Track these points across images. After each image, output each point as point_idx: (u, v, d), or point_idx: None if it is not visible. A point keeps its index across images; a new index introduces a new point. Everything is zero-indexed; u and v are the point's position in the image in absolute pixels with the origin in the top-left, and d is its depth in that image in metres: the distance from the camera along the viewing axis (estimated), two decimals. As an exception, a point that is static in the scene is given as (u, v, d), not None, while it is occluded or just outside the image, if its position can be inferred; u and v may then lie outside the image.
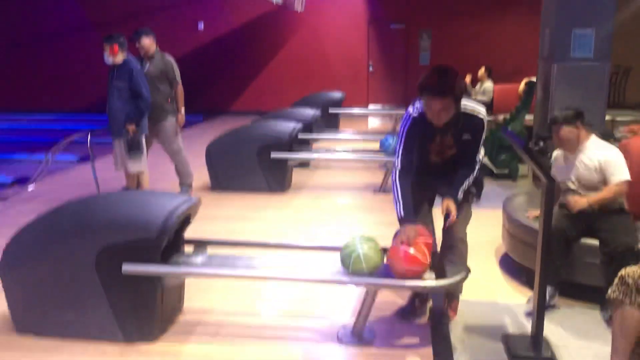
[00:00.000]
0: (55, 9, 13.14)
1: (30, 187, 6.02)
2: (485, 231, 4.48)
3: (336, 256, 2.92)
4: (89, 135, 5.24)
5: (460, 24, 12.27)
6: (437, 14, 12.43)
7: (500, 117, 7.13)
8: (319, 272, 2.97)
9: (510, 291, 3.61)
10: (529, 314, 3.15)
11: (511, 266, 3.92)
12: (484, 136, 2.99)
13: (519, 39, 11.82)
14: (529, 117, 6.58)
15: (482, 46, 12.06)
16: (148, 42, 5.49)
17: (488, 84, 9.17)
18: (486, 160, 6.57)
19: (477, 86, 9.43)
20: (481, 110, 2.93)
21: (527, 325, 3.02)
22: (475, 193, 3.18)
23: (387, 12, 12.67)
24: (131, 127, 5.06)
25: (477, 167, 3.04)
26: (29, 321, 3.00)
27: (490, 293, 3.57)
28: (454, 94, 2.73)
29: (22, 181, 6.45)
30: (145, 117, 5.22)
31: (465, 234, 3.10)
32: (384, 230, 4.52)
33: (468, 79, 9.63)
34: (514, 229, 3.72)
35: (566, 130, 3.35)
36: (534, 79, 6.52)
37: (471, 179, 3.04)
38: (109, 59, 5.04)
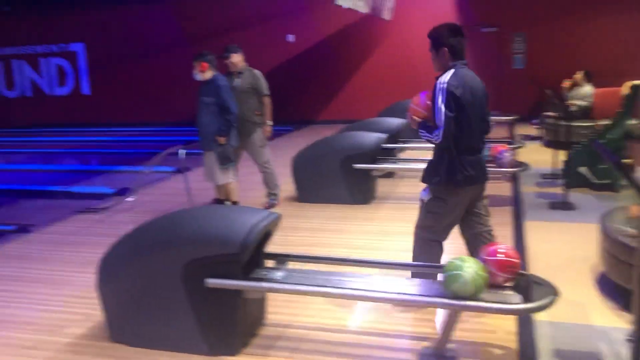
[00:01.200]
0: (155, 24, 13.93)
1: (130, 198, 6.40)
2: (581, 247, 4.21)
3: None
4: (181, 148, 5.49)
5: (557, 25, 11.69)
6: (531, 16, 11.91)
7: (600, 123, 6.69)
8: (401, 292, 2.90)
9: (606, 314, 3.36)
10: (628, 340, 2.92)
11: (609, 286, 3.65)
12: (437, 100, 3.10)
13: (621, 39, 11.06)
14: (635, 122, 6.12)
15: (581, 48, 11.41)
16: (237, 59, 5.70)
17: (587, 88, 8.64)
18: (585, 170, 6.19)
19: (576, 90, 8.92)
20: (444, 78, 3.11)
21: (625, 353, 2.79)
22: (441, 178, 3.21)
23: (478, 16, 12.31)
24: (221, 140, 5.26)
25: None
26: (122, 330, 3.17)
27: (585, 315, 3.35)
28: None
29: (123, 192, 6.87)
30: (233, 130, 5.41)
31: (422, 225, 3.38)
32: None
33: (567, 84, 9.13)
34: (612, 246, 3.46)
35: None
36: (638, 82, 6.07)
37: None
38: (197, 75, 5.28)
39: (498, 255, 2.76)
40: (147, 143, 11.52)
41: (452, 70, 3.15)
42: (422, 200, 3.39)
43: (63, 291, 4.01)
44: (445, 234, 3.39)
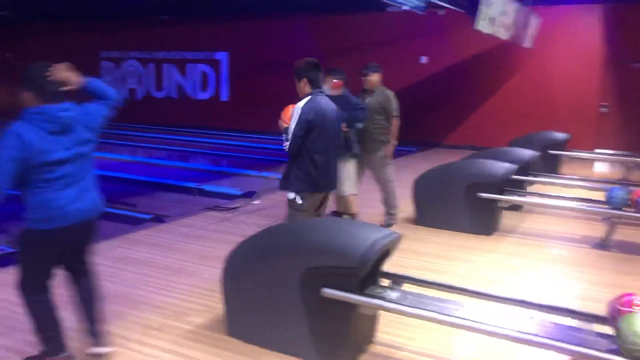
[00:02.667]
0: (294, 38, 14.52)
1: (256, 201, 6.70)
2: None
3: (543, 315, 2.70)
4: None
5: None
6: (692, 52, 10.88)
7: None
8: (520, 330, 2.77)
9: None
10: None
11: None
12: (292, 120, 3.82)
13: None
14: None
15: None
16: (375, 78, 5.77)
17: None
18: None
19: None
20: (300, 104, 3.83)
21: None
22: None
23: (629, 51, 11.47)
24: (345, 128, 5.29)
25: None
26: (239, 326, 3.33)
27: None
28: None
29: (249, 195, 7.21)
30: (355, 143, 5.49)
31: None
32: (599, 292, 4.09)
33: None
34: None
35: None
36: None
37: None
38: (329, 91, 5.37)
39: (634, 307, 2.56)
40: (276, 151, 11.99)
41: (309, 97, 3.87)
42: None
43: (188, 281, 4.28)
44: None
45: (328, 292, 2.96)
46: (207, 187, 7.72)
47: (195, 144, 12.75)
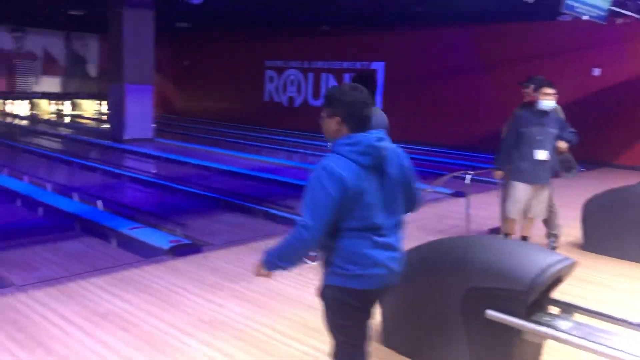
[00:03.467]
0: (452, 48, 14.24)
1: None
2: None
3: None
4: (469, 173, 5.51)
5: None
6: None
7: None
8: None
9: None
10: None
11: None
12: None
13: None
14: None
15: None
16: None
17: None
18: None
19: None
20: None
21: None
22: None
23: None
24: (564, 146, 5.23)
25: None
26: (395, 337, 3.32)
27: None
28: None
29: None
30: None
31: None
32: None
33: None
34: None
35: None
36: None
37: None
38: (545, 104, 5.04)
39: None
40: (429, 162, 11.86)
41: None
42: None
43: (344, 286, 4.37)
44: None
45: (492, 314, 2.84)
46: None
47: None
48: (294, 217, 6.14)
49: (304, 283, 4.38)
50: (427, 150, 13.59)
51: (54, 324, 3.48)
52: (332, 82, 16.86)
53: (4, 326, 3.43)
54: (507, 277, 2.83)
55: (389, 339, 3.36)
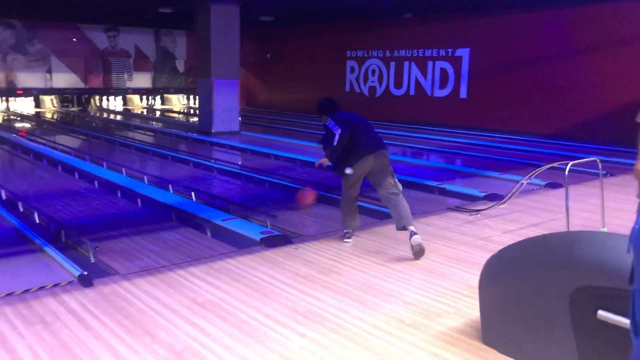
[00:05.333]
0: (543, 33, 13.58)
1: (501, 205, 6.44)
2: None
3: None
4: (568, 165, 5.22)
5: None
6: None
7: None
8: None
9: None
10: None
11: None
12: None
13: None
14: None
15: None
16: None
17: None
18: None
19: None
20: None
21: None
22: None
23: None
24: None
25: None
26: (495, 335, 3.21)
27: None
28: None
29: (491, 197, 6.95)
30: None
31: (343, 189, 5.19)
32: None
33: None
34: None
35: None
36: None
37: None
38: None
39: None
40: (516, 152, 11.42)
41: None
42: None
43: (438, 281, 4.29)
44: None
45: (605, 315, 2.67)
46: (448, 186, 7.65)
47: (432, 141, 12.78)
48: (379, 208, 6.11)
49: (399, 278, 4.34)
50: (516, 139, 13.10)
51: (158, 312, 3.64)
52: (415, 71, 16.57)
53: (112, 313, 3.62)
54: (620, 275, 2.65)
55: (489, 338, 3.25)
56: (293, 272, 4.42)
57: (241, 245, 5.12)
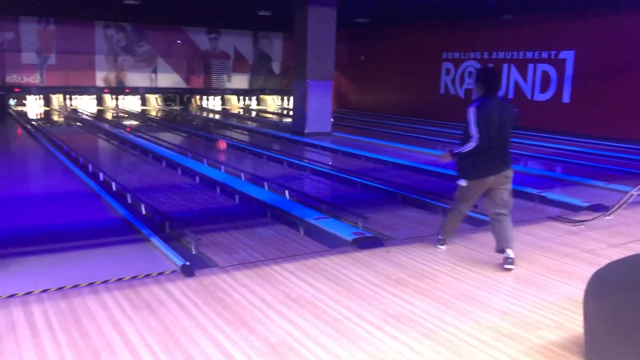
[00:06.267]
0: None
1: (607, 216, 6.07)
2: None
3: None
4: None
5: None
6: None
7: None
8: None
9: None
10: None
11: None
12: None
13: None
14: None
15: None
16: None
17: None
18: None
19: None
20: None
21: None
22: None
23: None
24: None
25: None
26: (600, 353, 3.04)
27: None
28: None
29: (596, 208, 6.57)
30: None
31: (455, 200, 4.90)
32: None
33: None
34: None
35: None
36: None
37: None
38: None
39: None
40: (624, 160, 10.72)
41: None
42: None
43: (537, 292, 4.12)
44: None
45: None
46: (549, 195, 7.31)
47: (531, 147, 12.27)
48: (474, 215, 5.95)
49: (495, 287, 4.22)
50: (625, 147, 12.31)
51: (254, 305, 3.77)
52: (515, 74, 16.00)
53: (212, 303, 3.79)
54: None
55: (592, 355, 3.08)
56: (385, 274, 4.42)
57: (333, 244, 5.18)
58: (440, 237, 5.16)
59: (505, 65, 16.24)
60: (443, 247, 5.10)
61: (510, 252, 4.58)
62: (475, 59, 17.15)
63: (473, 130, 4.52)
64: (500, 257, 4.70)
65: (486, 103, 4.57)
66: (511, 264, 4.55)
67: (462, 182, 4.72)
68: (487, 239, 5.16)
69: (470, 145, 4.54)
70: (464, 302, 3.92)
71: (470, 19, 16.78)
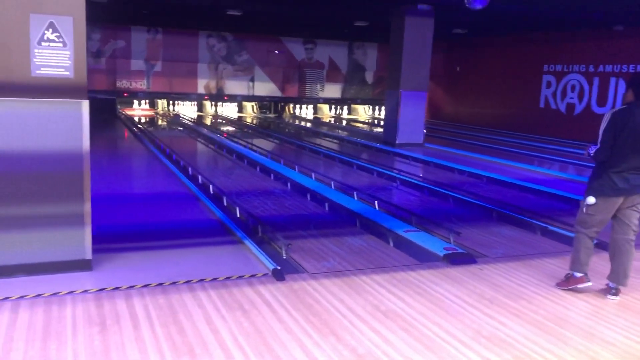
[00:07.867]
0: None
1: None
2: None
3: None
4: None
5: None
6: None
7: None
8: None
9: None
10: None
11: None
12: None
13: None
14: None
15: None
16: None
17: None
18: None
19: None
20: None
21: None
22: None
23: None
24: None
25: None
26: None
27: None
28: None
29: None
30: None
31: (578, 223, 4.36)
32: None
33: None
34: None
35: None
36: None
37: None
38: None
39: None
40: None
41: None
42: None
43: (644, 323, 3.84)
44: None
45: None
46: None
47: None
48: (572, 234, 5.61)
49: (597, 314, 3.98)
50: None
51: (343, 315, 3.78)
52: (623, 88, 15.02)
53: (301, 309, 3.84)
54: None
55: None
56: (478, 293, 4.28)
57: (423, 258, 5.09)
58: (575, 274, 4.38)
59: (612, 79, 15.31)
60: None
61: (620, 287, 4.29)
62: (579, 72, 16.29)
63: (599, 136, 4.12)
64: (604, 282, 4.41)
65: (627, 111, 4.05)
66: (615, 295, 4.25)
67: (589, 200, 4.22)
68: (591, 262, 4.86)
69: (592, 150, 4.19)
70: (562, 327, 3.72)
71: (574, 30, 15.98)
